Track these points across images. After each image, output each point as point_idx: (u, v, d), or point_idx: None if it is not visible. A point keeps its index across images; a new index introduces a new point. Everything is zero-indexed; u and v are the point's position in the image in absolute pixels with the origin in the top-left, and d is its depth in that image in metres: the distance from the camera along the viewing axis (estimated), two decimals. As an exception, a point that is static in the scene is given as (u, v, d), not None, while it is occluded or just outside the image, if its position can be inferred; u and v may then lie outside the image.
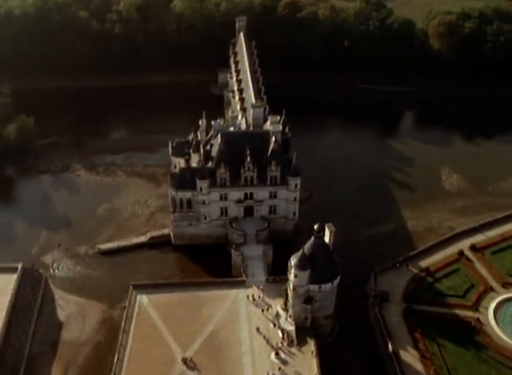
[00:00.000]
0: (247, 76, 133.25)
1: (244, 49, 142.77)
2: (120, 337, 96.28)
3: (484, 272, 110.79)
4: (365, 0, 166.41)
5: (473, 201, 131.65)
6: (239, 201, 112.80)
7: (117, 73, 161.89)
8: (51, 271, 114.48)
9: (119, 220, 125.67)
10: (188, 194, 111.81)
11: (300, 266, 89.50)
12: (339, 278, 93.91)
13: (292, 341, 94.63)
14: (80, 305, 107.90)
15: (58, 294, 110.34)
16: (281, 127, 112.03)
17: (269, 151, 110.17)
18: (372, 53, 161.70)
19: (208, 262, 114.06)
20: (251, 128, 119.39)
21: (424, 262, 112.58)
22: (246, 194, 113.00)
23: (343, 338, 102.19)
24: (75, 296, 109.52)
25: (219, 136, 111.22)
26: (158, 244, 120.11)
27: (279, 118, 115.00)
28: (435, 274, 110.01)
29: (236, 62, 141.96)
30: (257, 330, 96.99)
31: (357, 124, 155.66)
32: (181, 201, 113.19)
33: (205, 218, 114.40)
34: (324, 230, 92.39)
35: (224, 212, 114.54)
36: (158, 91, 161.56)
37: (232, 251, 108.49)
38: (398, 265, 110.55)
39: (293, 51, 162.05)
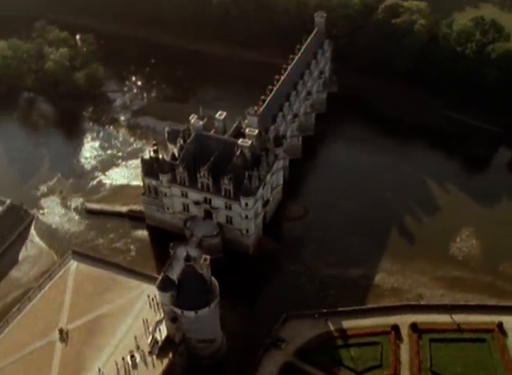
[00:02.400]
0: (282, 78, 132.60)
1: (302, 48, 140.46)
2: (31, 292, 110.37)
3: (405, 357, 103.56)
4: (476, 18, 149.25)
5: (471, 275, 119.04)
6: (196, 203, 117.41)
7: (205, 42, 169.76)
8: (40, 213, 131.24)
9: (120, 185, 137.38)
10: (154, 183, 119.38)
11: (160, 287, 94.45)
12: (207, 309, 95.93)
13: (154, 350, 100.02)
14: (40, 251, 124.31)
15: (32, 235, 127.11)
16: (249, 143, 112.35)
17: (230, 164, 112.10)
18: (467, 80, 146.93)
19: (165, 251, 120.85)
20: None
21: (348, 323, 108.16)
22: (205, 198, 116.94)
23: (223, 368, 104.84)
24: (42, 242, 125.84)
25: (193, 135, 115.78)
26: (138, 218, 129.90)
27: (256, 132, 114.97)
28: (349, 339, 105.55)
29: (292, 60, 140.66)
30: (143, 323, 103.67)
31: (411, 153, 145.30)
32: (149, 186, 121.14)
33: (168, 208, 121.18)
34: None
35: (186, 208, 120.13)
36: (238, 67, 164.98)
37: (170, 247, 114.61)
38: (316, 316, 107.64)
39: (380, 58, 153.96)
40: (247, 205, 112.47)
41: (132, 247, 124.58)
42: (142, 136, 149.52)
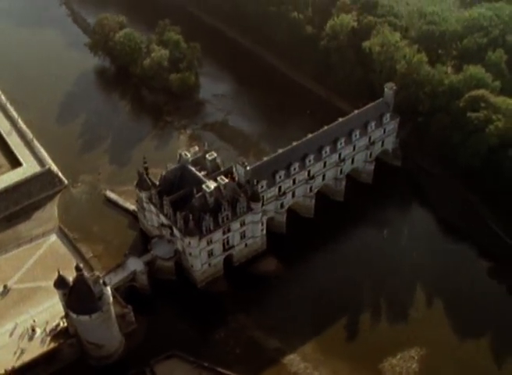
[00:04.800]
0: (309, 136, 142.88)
1: (350, 115, 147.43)
2: (9, 246, 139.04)
3: None
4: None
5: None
6: (163, 225, 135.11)
7: (306, 77, 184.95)
8: (72, 185, 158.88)
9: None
10: (140, 194, 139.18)
11: (55, 284, 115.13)
12: (87, 317, 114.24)
13: (52, 332, 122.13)
14: (50, 217, 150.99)
15: (54, 201, 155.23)
16: (211, 188, 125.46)
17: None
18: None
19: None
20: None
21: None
22: (169, 224, 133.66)
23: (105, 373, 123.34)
24: (56, 209, 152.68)
25: (176, 165, 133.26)
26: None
27: (226, 181, 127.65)
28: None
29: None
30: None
31: (427, 256, 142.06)
32: (138, 196, 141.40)
33: (148, 221, 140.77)
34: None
35: (159, 226, 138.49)
36: (325, 112, 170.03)
37: (124, 255, 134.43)
38: (195, 365, 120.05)
39: (449, 147, 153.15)
40: (189, 243, 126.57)
41: (115, 241, 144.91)
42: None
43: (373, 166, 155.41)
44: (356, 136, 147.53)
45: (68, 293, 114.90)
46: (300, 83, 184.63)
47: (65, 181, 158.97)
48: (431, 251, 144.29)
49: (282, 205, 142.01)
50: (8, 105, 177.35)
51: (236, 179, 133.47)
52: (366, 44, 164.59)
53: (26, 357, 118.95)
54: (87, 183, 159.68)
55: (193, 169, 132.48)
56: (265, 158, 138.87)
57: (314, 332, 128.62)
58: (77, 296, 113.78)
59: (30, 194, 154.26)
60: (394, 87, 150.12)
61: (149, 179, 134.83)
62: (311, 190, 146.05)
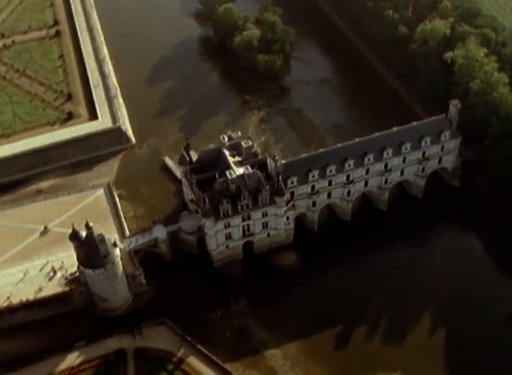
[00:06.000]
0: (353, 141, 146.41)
1: (406, 126, 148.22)
2: (61, 192, 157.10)
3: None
4: None
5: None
6: (191, 200, 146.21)
7: (393, 78, 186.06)
8: (138, 145, 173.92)
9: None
10: (179, 168, 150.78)
11: (70, 236, 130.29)
12: (91, 271, 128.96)
13: (67, 277, 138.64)
14: (109, 171, 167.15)
15: (117, 157, 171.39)
16: (233, 176, 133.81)
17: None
18: None
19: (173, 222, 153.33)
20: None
21: (191, 359, 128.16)
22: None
23: (105, 324, 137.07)
24: (116, 166, 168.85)
25: (212, 148, 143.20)
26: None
27: (250, 171, 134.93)
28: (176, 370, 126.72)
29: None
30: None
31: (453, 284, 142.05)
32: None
33: (185, 194, 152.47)
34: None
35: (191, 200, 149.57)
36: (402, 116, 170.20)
37: (152, 221, 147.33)
38: (180, 339, 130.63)
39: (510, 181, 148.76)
40: (205, 223, 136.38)
41: (158, 206, 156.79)
42: (259, 133, 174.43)
43: (424, 182, 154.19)
44: (406, 148, 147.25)
45: (80, 246, 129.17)
46: (386, 82, 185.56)
47: (133, 141, 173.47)
48: (458, 281, 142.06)
49: (314, 204, 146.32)
50: (107, 59, 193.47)
51: (269, 170, 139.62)
52: (449, 54, 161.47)
53: (42, 294, 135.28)
54: (152, 147, 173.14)
55: (227, 153, 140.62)
56: (304, 155, 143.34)
57: (304, 333, 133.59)
58: (85, 251, 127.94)
59: (97, 147, 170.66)
60: (459, 105, 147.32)
61: (189, 155, 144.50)
62: (348, 194, 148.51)
